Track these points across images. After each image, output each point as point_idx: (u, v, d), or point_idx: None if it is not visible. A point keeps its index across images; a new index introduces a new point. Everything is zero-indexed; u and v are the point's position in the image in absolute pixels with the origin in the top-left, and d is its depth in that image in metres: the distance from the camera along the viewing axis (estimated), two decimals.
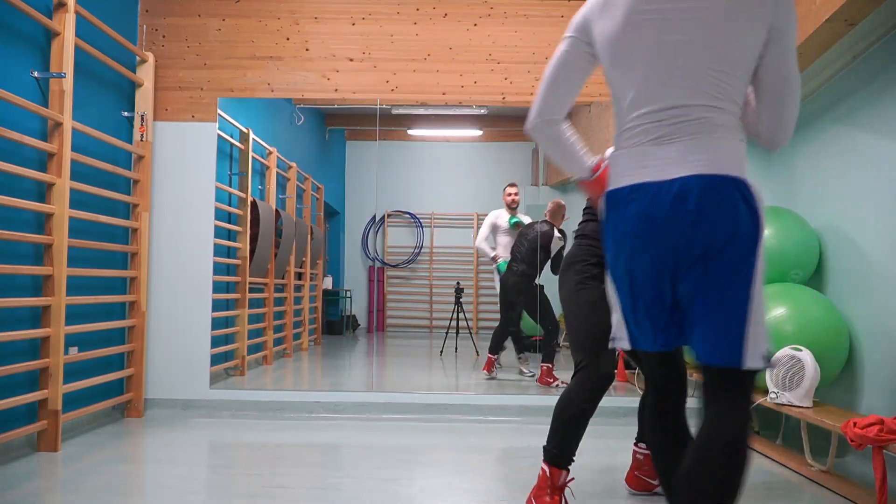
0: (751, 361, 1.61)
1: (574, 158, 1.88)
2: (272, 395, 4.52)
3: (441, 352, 6.47)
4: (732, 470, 1.64)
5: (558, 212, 5.44)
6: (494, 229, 5.78)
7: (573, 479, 2.61)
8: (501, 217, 5.80)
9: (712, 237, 1.58)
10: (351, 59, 4.57)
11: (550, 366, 5.23)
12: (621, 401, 4.55)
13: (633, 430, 4.16)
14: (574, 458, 2.55)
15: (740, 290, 1.60)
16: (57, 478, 3.01)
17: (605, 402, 4.44)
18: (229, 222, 5.13)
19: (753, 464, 3.41)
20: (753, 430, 4.03)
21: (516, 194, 5.81)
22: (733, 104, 1.69)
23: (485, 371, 5.43)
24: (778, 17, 1.61)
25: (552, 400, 4.44)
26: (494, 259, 5.79)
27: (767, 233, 3.76)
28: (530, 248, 5.38)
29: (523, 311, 5.57)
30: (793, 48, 1.66)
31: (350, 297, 7.99)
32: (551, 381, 5.18)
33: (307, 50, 4.57)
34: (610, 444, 3.84)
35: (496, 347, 5.47)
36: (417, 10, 4.59)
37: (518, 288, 5.39)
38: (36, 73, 3.37)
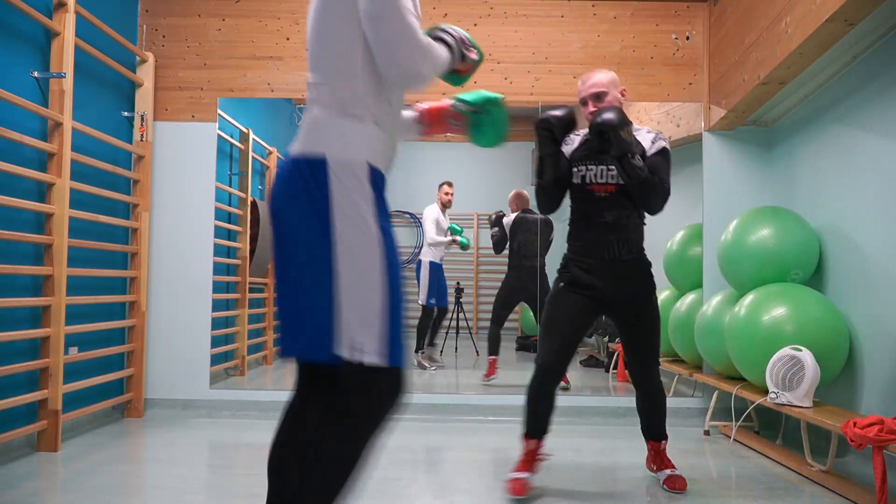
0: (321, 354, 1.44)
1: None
2: (272, 395, 4.52)
3: (441, 352, 6.46)
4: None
5: (522, 197, 5.58)
6: (438, 225, 5.86)
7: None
8: (440, 215, 5.89)
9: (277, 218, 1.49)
10: None
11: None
12: (619, 401, 4.55)
13: (633, 429, 4.16)
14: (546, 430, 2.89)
15: (306, 277, 1.44)
16: (57, 478, 3.01)
17: (604, 401, 4.47)
18: (229, 222, 5.13)
19: (753, 464, 3.41)
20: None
21: (453, 194, 5.95)
22: (338, 76, 1.54)
23: (488, 377, 5.27)
24: None
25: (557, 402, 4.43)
26: (454, 242, 5.86)
27: (767, 233, 3.77)
28: (543, 239, 5.42)
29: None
30: None
31: None
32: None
33: (307, 50, 4.56)
34: (609, 443, 3.84)
35: (496, 348, 5.43)
36: None
37: (534, 284, 5.37)
38: (36, 73, 3.37)
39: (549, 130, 2.76)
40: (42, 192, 3.42)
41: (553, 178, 2.83)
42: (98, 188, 3.86)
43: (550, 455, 2.99)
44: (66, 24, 3.45)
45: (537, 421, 2.90)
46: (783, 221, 3.81)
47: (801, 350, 3.27)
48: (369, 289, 1.45)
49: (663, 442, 3.05)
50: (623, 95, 2.83)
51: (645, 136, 2.82)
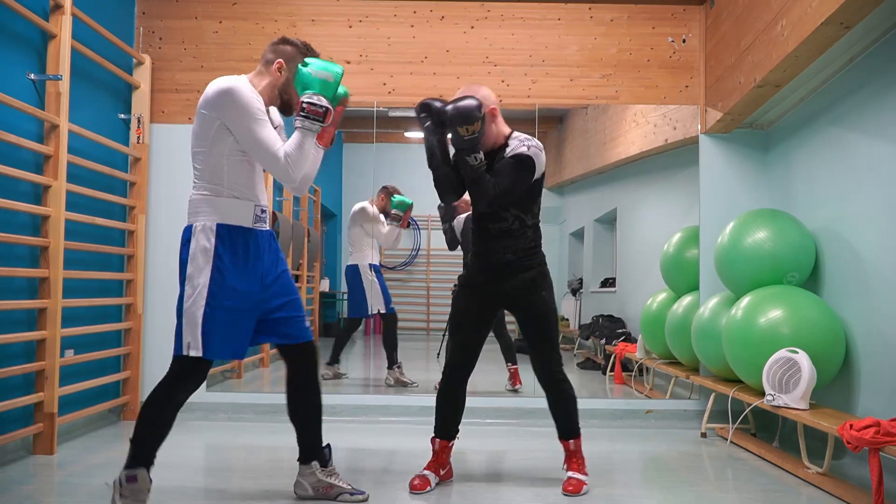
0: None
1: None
2: (269, 397, 4.51)
3: (438, 354, 6.46)
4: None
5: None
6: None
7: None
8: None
9: None
10: (348, 62, 4.56)
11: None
12: (616, 403, 4.56)
13: (630, 431, 4.17)
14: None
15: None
16: (52, 481, 3.00)
17: (601, 404, 4.47)
18: None
19: (749, 466, 3.41)
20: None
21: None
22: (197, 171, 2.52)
23: (517, 385, 5.04)
24: (222, 114, 2.39)
25: (546, 402, 4.43)
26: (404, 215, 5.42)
27: (763, 235, 3.77)
28: None
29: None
30: (244, 132, 2.39)
31: (347, 300, 7.97)
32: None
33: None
34: (606, 446, 3.84)
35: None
36: (414, 12, 4.59)
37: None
38: (32, 76, 3.36)
39: (429, 112, 2.82)
40: (38, 194, 3.41)
41: (442, 164, 2.87)
42: (94, 190, 3.86)
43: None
44: (63, 27, 3.45)
45: (444, 421, 2.98)
46: (779, 224, 3.81)
47: (797, 352, 3.27)
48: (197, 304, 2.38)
49: (572, 441, 2.96)
50: (493, 114, 2.84)
51: (513, 143, 2.84)
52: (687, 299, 4.55)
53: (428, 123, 2.84)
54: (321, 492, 2.68)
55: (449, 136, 2.84)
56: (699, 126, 4.53)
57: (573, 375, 5.76)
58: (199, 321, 2.37)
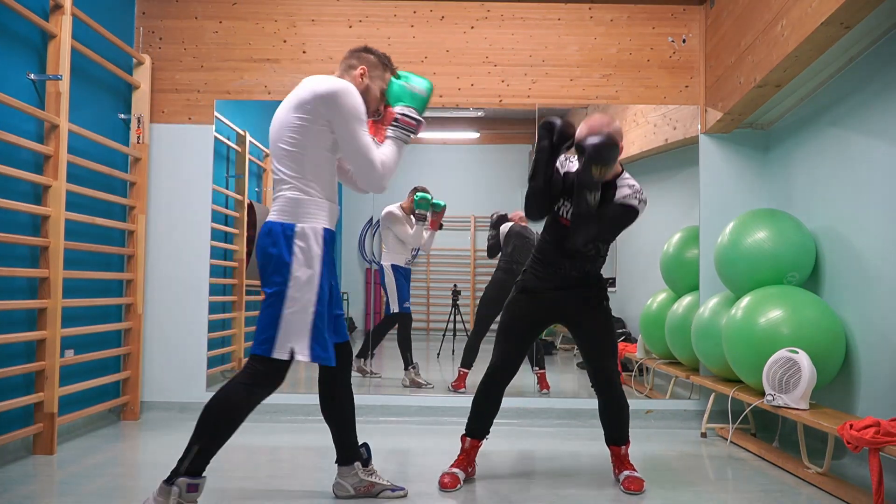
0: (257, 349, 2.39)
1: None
2: (269, 397, 4.50)
3: (438, 354, 6.46)
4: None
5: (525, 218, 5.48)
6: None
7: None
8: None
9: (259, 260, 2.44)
10: None
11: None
12: None
13: (631, 431, 4.14)
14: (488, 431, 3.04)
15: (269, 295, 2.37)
16: (52, 481, 3.00)
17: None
18: (226, 225, 5.13)
19: (749, 466, 3.41)
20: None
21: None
22: (293, 171, 2.44)
23: (546, 389, 4.98)
24: (330, 114, 2.39)
25: (548, 403, 4.45)
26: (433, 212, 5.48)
27: (763, 235, 3.77)
28: (529, 247, 5.39)
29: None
30: (349, 135, 2.41)
31: (347, 300, 7.97)
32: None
33: (304, 52, 4.57)
34: (604, 446, 3.83)
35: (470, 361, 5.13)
36: (414, 12, 4.59)
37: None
38: (32, 76, 3.36)
39: (550, 133, 2.80)
40: (38, 194, 3.41)
41: (543, 183, 2.87)
42: (94, 190, 3.86)
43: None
44: (63, 26, 3.44)
45: (480, 421, 3.01)
46: (779, 224, 3.81)
47: (797, 352, 3.27)
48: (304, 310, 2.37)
49: (623, 447, 3.06)
50: (620, 150, 2.82)
51: (623, 190, 2.86)
52: (687, 299, 4.55)
53: (545, 142, 2.82)
54: (362, 491, 2.71)
55: (566, 161, 2.91)
56: (699, 126, 4.53)
57: (573, 375, 5.76)
58: (307, 325, 2.35)
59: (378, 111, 2.62)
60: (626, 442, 3.07)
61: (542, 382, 4.97)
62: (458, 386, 5.05)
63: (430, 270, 7.67)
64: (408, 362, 5.16)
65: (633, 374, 5.30)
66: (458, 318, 6.63)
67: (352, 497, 2.72)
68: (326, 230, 2.42)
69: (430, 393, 4.90)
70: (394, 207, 5.47)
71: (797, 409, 3.21)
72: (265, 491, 2.87)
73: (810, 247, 3.76)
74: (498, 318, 5.38)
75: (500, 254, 5.47)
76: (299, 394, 4.57)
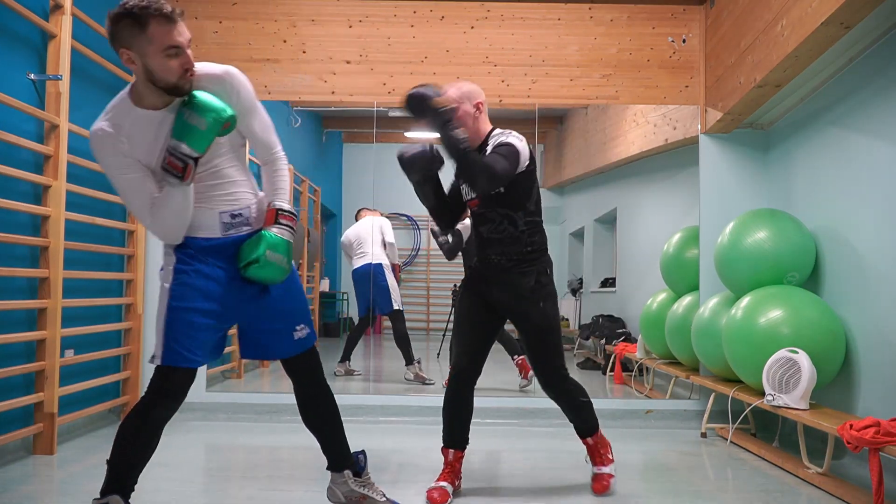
0: None
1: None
2: (269, 397, 4.51)
3: (438, 354, 6.47)
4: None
5: None
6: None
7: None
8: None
9: None
10: (348, 62, 4.56)
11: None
12: (616, 403, 4.56)
13: (630, 431, 4.16)
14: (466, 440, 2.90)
15: None
16: (52, 481, 3.00)
17: (601, 404, 4.44)
18: None
19: (749, 466, 3.41)
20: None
21: None
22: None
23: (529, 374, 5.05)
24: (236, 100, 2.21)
25: (548, 403, 4.43)
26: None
27: (763, 235, 3.77)
28: None
29: None
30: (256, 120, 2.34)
31: (347, 300, 7.97)
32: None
33: (304, 52, 4.57)
34: None
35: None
36: (414, 12, 4.59)
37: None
38: (32, 76, 3.36)
39: (404, 167, 2.83)
40: (38, 194, 3.41)
41: (431, 206, 2.93)
42: (94, 190, 3.86)
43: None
44: (63, 26, 3.44)
45: (454, 429, 2.88)
46: (779, 224, 3.81)
47: (797, 352, 3.27)
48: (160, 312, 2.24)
49: (589, 438, 2.97)
50: (479, 108, 2.79)
51: (494, 137, 2.75)
52: (687, 299, 4.55)
53: (414, 182, 2.87)
54: (353, 501, 2.53)
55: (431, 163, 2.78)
56: (699, 126, 4.53)
57: (573, 375, 5.76)
58: (162, 327, 2.26)
59: (187, 71, 2.10)
60: (592, 433, 2.97)
61: (524, 370, 5.01)
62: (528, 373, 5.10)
63: (430, 270, 7.67)
64: (410, 358, 5.20)
65: (634, 373, 5.30)
66: None
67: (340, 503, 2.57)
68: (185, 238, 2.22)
69: (429, 393, 4.90)
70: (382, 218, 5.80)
71: (797, 409, 3.21)
72: (265, 491, 2.87)
73: (810, 247, 3.76)
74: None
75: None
76: None
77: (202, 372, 4.44)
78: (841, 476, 3.11)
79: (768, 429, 3.98)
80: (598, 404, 4.52)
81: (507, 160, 2.63)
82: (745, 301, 3.68)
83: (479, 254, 2.89)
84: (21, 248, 3.30)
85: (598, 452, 2.98)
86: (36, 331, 3.35)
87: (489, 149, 2.70)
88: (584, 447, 3.01)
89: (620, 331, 5.73)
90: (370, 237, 5.63)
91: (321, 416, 2.53)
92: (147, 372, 4.36)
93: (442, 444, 2.89)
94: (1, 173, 3.08)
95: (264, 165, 2.42)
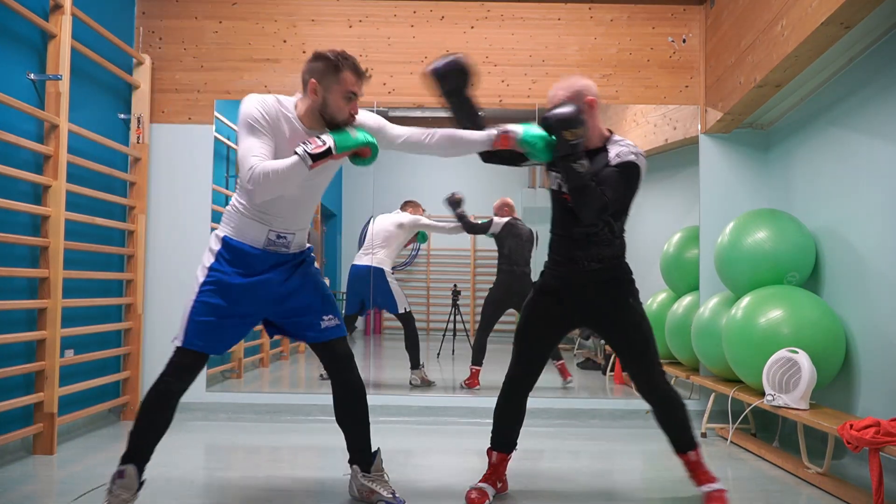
0: None
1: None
2: (268, 397, 4.51)
3: (438, 354, 6.47)
4: None
5: (509, 205, 5.47)
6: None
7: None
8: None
9: None
10: None
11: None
12: (616, 403, 4.55)
13: (630, 431, 4.17)
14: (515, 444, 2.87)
15: None
16: (52, 481, 3.00)
17: (601, 404, 4.47)
18: None
19: (749, 466, 3.41)
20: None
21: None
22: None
23: (471, 386, 5.11)
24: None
25: (548, 403, 4.44)
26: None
27: (763, 235, 3.77)
28: (529, 248, 5.38)
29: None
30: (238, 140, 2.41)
31: (345, 300, 7.97)
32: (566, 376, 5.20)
33: (304, 52, 4.57)
34: (606, 446, 3.84)
35: (480, 358, 5.22)
36: (414, 12, 4.59)
37: (525, 290, 5.30)
38: (32, 75, 3.36)
39: (437, 80, 2.78)
40: (38, 194, 3.41)
41: (462, 123, 2.75)
42: (94, 190, 3.86)
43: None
44: (63, 26, 3.44)
45: (503, 432, 2.83)
46: (779, 224, 3.81)
47: (797, 352, 3.27)
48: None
49: (691, 453, 2.79)
50: (591, 105, 2.66)
51: (615, 148, 2.65)
52: (687, 299, 4.55)
53: (442, 94, 2.78)
54: (364, 496, 2.69)
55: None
56: (699, 126, 4.53)
57: (573, 375, 5.76)
58: (188, 312, 2.49)
59: (353, 116, 2.48)
60: (693, 447, 2.78)
61: (564, 373, 5.10)
62: (471, 384, 5.09)
63: (430, 270, 7.67)
64: (417, 362, 5.15)
65: None
66: (458, 318, 6.63)
67: (357, 500, 2.72)
68: (226, 238, 2.52)
69: (430, 393, 4.89)
70: (419, 216, 5.56)
71: (797, 409, 3.21)
72: (265, 491, 2.87)
73: (810, 247, 3.76)
74: (503, 319, 5.45)
75: (500, 254, 5.40)
76: (299, 394, 4.58)
77: (202, 372, 4.43)
78: (841, 476, 3.11)
79: (768, 429, 3.98)
80: (598, 404, 4.57)
81: (624, 194, 2.61)
82: (745, 301, 3.68)
83: (563, 255, 2.74)
84: (21, 248, 3.30)
85: (701, 469, 2.78)
86: (36, 331, 3.35)
87: (611, 160, 2.61)
88: (684, 464, 2.80)
89: None
90: (392, 238, 5.43)
91: (347, 414, 2.69)
92: (147, 372, 4.37)
93: (489, 445, 2.85)
94: (1, 173, 3.08)
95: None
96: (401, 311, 5.27)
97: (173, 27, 4.56)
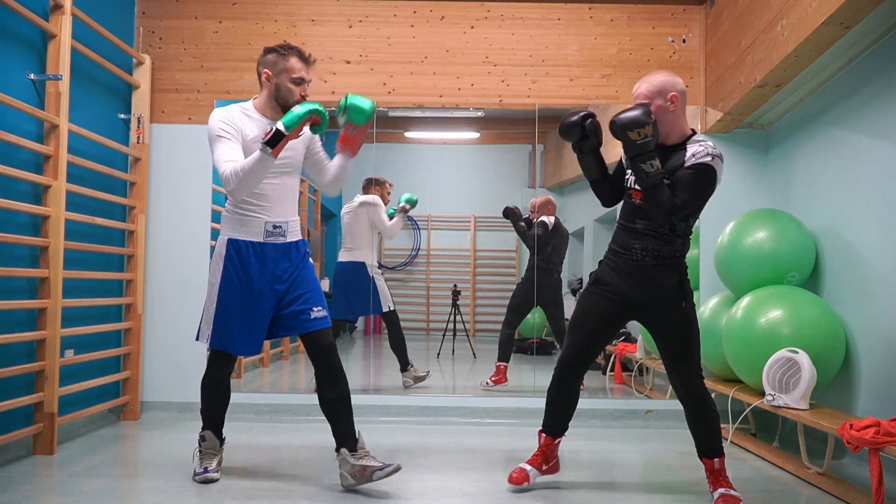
0: None
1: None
2: (268, 397, 4.51)
3: (438, 354, 6.46)
4: None
5: (553, 203, 5.42)
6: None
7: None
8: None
9: None
10: (348, 62, 4.57)
11: None
12: (616, 403, 4.55)
13: (630, 431, 4.17)
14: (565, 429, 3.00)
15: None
16: (52, 481, 3.00)
17: (601, 404, 4.47)
18: None
19: (749, 466, 3.41)
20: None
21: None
22: None
23: (497, 383, 5.07)
24: None
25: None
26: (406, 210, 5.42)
27: (763, 235, 3.77)
28: (565, 249, 5.38)
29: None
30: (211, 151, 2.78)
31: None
32: None
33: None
34: (606, 446, 3.84)
35: (508, 354, 5.21)
36: (414, 12, 4.59)
37: (556, 291, 5.31)
38: (32, 76, 3.36)
39: (571, 134, 2.81)
40: (38, 194, 3.41)
41: (590, 178, 2.90)
42: (94, 190, 3.86)
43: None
44: (63, 26, 3.44)
45: (553, 417, 2.94)
46: (779, 224, 3.81)
47: (797, 352, 3.27)
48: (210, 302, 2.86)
49: (716, 460, 2.79)
50: (673, 101, 2.65)
51: (693, 148, 2.64)
52: None
53: (574, 146, 2.84)
54: (358, 476, 2.78)
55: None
56: (699, 126, 4.53)
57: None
58: (211, 317, 2.87)
59: (304, 98, 2.77)
60: (718, 454, 2.78)
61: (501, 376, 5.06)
62: (498, 380, 5.06)
63: (430, 270, 7.67)
64: (406, 362, 5.08)
65: (634, 373, 5.30)
66: (458, 318, 6.63)
67: (353, 485, 2.79)
68: (231, 239, 2.81)
69: (430, 393, 4.89)
70: (371, 197, 5.27)
71: (797, 409, 3.21)
72: (265, 491, 2.87)
73: (810, 247, 3.76)
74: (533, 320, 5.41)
75: (534, 251, 5.33)
76: (299, 394, 4.58)
77: (202, 372, 4.42)
78: (841, 476, 3.11)
79: (768, 429, 3.98)
80: (598, 404, 4.57)
81: (698, 197, 2.62)
82: (745, 301, 3.68)
83: (621, 245, 2.77)
84: (21, 248, 3.30)
85: (722, 475, 2.79)
86: (36, 331, 3.35)
87: (687, 161, 2.61)
88: (706, 469, 2.82)
89: (620, 331, 5.72)
90: (358, 229, 5.25)
91: (330, 397, 2.86)
92: (147, 372, 4.38)
93: (539, 428, 2.98)
94: (1, 173, 3.08)
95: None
96: (385, 309, 5.12)
97: (173, 27, 4.56)
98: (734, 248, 3.88)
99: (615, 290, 2.77)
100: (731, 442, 3.85)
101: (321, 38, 4.58)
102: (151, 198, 4.43)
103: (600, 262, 2.88)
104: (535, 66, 4.58)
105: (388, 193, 5.43)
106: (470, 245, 7.38)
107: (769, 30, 3.47)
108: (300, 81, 2.76)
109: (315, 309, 2.85)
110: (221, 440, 3.04)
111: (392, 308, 5.15)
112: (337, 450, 2.86)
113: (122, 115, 4.29)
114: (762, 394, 3.44)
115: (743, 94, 3.84)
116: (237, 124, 2.72)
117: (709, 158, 2.58)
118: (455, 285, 6.75)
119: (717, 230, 4.20)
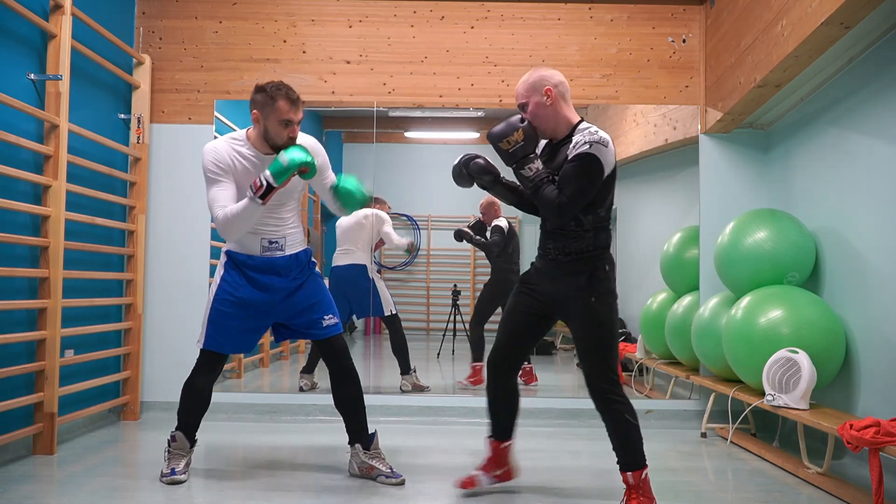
0: None
1: None
2: (269, 397, 4.51)
3: (438, 354, 6.46)
4: None
5: (499, 204, 5.46)
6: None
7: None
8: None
9: None
10: (348, 62, 4.56)
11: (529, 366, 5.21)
12: None
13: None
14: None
15: None
16: (52, 481, 3.00)
17: None
18: None
19: (749, 466, 3.41)
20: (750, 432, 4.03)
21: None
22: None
23: (475, 384, 5.13)
24: None
25: (547, 403, 4.45)
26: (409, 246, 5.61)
27: (763, 235, 3.78)
28: (518, 246, 5.45)
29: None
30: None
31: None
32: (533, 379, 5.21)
33: (304, 52, 4.57)
34: (606, 446, 3.83)
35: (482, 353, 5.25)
36: (414, 12, 4.59)
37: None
38: (32, 76, 3.36)
39: (464, 183, 2.88)
40: (38, 194, 3.41)
41: (510, 203, 2.88)
42: (94, 190, 3.86)
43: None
44: (63, 26, 3.44)
45: (494, 421, 2.87)
46: (779, 224, 3.81)
47: (797, 352, 3.27)
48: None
49: (629, 474, 2.63)
50: (549, 95, 2.63)
51: (574, 139, 2.57)
52: (687, 299, 4.55)
53: (471, 187, 2.88)
54: (364, 472, 3.00)
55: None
56: (699, 126, 4.53)
57: (572, 375, 5.76)
58: (206, 319, 2.96)
59: (292, 139, 2.81)
60: (633, 468, 2.61)
61: (528, 376, 5.13)
62: (476, 381, 5.10)
63: (430, 270, 7.67)
64: (408, 367, 4.99)
65: (634, 373, 5.30)
66: (458, 318, 6.63)
67: (357, 477, 2.99)
68: (229, 251, 2.94)
69: (430, 393, 4.89)
70: (382, 213, 5.35)
71: (797, 409, 3.21)
72: (265, 491, 2.87)
73: (810, 247, 3.76)
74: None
75: (498, 255, 5.45)
76: (299, 394, 4.57)
77: None
78: (841, 476, 3.11)
79: (768, 429, 3.98)
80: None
81: (584, 189, 2.51)
82: (745, 301, 3.68)
83: (540, 245, 2.77)
84: (21, 248, 3.30)
85: (637, 492, 2.59)
86: (36, 331, 3.35)
87: (570, 153, 2.54)
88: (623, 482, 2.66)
89: (620, 331, 5.71)
90: (357, 234, 5.25)
91: (343, 395, 3.01)
92: (147, 372, 4.38)
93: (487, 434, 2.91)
94: (1, 173, 3.08)
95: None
96: (387, 313, 5.07)
97: (173, 27, 4.56)
98: (734, 248, 3.88)
99: (536, 289, 2.76)
100: (731, 442, 3.85)
101: (321, 38, 4.58)
102: (151, 198, 4.43)
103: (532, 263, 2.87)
104: (534, 65, 4.53)
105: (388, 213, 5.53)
106: (470, 245, 7.38)
107: (769, 30, 3.47)
108: (288, 123, 2.78)
109: (327, 317, 2.99)
110: (193, 442, 3.05)
111: (394, 312, 5.11)
112: (351, 444, 3.03)
113: (122, 115, 4.29)
114: (762, 394, 3.44)
115: (743, 94, 3.84)
116: (228, 164, 2.83)
117: (587, 147, 2.49)
118: (455, 285, 6.74)
119: (717, 230, 4.20)
